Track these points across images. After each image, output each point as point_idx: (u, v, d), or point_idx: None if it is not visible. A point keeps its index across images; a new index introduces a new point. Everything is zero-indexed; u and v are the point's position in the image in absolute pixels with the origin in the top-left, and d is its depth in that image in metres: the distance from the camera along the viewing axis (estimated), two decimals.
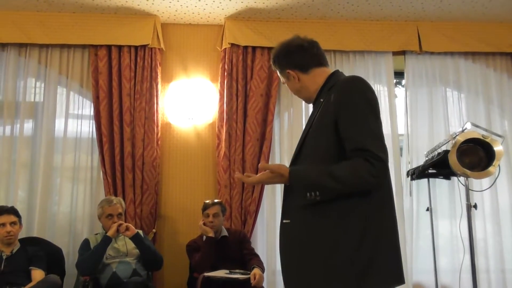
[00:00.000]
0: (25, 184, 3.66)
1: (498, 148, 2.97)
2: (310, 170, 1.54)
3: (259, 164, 1.73)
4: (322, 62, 1.74)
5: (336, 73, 1.73)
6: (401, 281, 1.53)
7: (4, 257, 2.99)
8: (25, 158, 3.67)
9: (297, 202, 1.57)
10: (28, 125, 3.73)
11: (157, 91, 3.76)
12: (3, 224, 3.01)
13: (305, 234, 1.53)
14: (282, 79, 1.81)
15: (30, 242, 3.25)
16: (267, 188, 3.74)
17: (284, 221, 1.60)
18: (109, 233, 3.08)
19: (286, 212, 1.62)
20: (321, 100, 1.64)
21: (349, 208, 1.51)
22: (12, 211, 3.10)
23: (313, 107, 1.73)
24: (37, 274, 2.97)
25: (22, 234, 3.22)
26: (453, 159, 2.94)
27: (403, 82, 4.09)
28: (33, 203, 3.61)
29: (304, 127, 1.75)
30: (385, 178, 1.54)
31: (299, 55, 1.72)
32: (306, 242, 1.53)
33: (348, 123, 1.52)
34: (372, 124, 1.52)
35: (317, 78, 1.71)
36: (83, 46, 3.80)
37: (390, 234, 1.55)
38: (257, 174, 1.64)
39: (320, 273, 1.49)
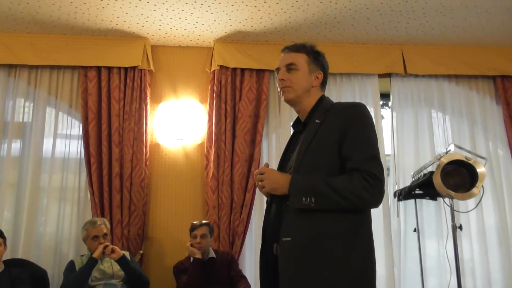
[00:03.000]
0: (12, 204, 3.63)
1: (481, 169, 3.02)
2: (309, 177, 1.60)
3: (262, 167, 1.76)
4: (325, 87, 1.86)
5: (325, 98, 1.80)
6: None
7: None
8: (12, 178, 3.65)
9: (295, 220, 1.58)
10: (16, 145, 3.72)
11: (146, 112, 3.79)
12: None
13: (307, 253, 1.55)
14: (302, 66, 1.76)
15: (15, 264, 3.19)
16: (255, 209, 3.74)
17: (283, 239, 1.59)
18: (95, 255, 3.05)
19: (286, 230, 1.60)
20: (317, 121, 1.68)
21: (350, 227, 1.57)
22: None
23: (305, 127, 1.73)
24: None
25: (6, 256, 3.16)
26: (437, 181, 2.98)
27: (390, 103, 4.16)
28: (19, 224, 3.57)
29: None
30: (381, 198, 1.59)
31: (328, 71, 1.85)
32: (307, 261, 1.54)
33: (352, 144, 1.60)
34: (374, 148, 1.62)
35: (316, 95, 1.78)
36: (73, 67, 3.83)
37: (374, 254, 1.65)
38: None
39: None
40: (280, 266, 1.61)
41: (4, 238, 3.08)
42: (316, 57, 1.80)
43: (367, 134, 1.64)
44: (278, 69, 1.81)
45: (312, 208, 1.55)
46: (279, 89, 1.80)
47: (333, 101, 1.79)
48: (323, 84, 1.82)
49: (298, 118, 1.84)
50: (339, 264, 1.53)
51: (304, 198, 1.55)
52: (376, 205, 1.60)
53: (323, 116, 1.68)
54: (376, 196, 1.56)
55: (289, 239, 1.58)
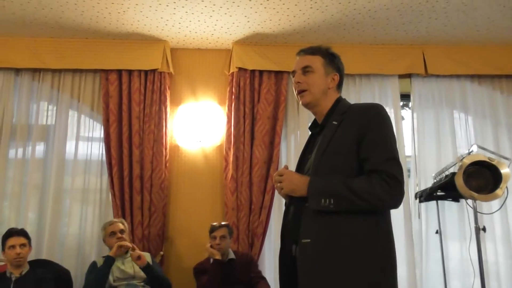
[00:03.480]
0: (36, 206, 3.70)
1: (505, 170, 2.95)
2: (327, 179, 1.60)
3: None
4: (341, 89, 1.86)
5: (342, 100, 1.80)
6: None
7: (13, 279, 3.01)
8: (36, 180, 3.72)
9: (314, 222, 1.58)
10: (40, 148, 3.80)
11: (166, 114, 3.83)
12: (13, 246, 3.04)
13: (327, 254, 1.54)
14: (318, 68, 1.77)
15: (39, 264, 3.26)
16: (274, 210, 3.74)
17: (303, 240, 1.59)
18: (111, 253, 3.09)
19: (305, 232, 1.60)
20: (334, 122, 1.68)
21: (370, 228, 1.56)
22: (22, 233, 3.13)
23: (323, 128, 1.74)
24: None
25: (31, 256, 3.24)
26: (460, 182, 2.93)
27: (410, 104, 4.11)
28: (43, 225, 3.65)
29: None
30: (401, 199, 1.58)
31: (344, 72, 1.86)
32: (327, 262, 1.54)
33: (370, 146, 1.60)
34: (392, 149, 1.61)
35: (333, 97, 1.79)
36: (95, 71, 3.90)
37: (395, 254, 1.64)
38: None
39: None
40: (299, 267, 1.61)
41: (29, 239, 3.16)
42: (331, 59, 1.81)
43: (385, 135, 1.63)
44: (294, 72, 1.81)
45: (331, 209, 1.55)
46: (295, 93, 1.80)
47: (350, 103, 1.79)
48: (339, 85, 1.82)
49: (315, 120, 1.84)
50: (359, 264, 1.52)
51: (323, 200, 1.55)
52: (395, 206, 1.59)
53: (341, 117, 1.68)
54: (395, 197, 1.55)
55: (309, 240, 1.58)
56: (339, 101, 1.78)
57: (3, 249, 3.08)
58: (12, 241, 3.05)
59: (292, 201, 1.72)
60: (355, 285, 1.50)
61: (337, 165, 1.61)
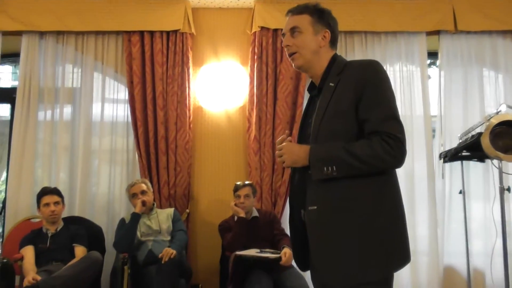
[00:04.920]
0: (66, 166, 3.83)
1: None
2: (327, 146, 1.58)
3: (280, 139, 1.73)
4: (336, 45, 1.76)
5: (338, 57, 1.72)
6: (410, 257, 1.61)
7: (49, 235, 3.19)
8: (65, 141, 3.83)
9: (319, 189, 1.59)
10: (67, 110, 3.89)
11: (188, 76, 3.84)
12: (48, 204, 3.20)
13: (334, 219, 1.56)
14: (306, 28, 1.68)
15: (73, 221, 3.44)
16: None
17: (309, 208, 1.62)
18: (136, 210, 3.27)
19: (311, 199, 1.62)
20: (331, 84, 1.63)
21: (375, 190, 1.55)
22: (55, 191, 3.28)
23: (320, 91, 1.68)
24: (80, 251, 3.15)
25: (64, 214, 3.40)
26: (486, 142, 2.88)
27: (437, 62, 3.99)
28: (74, 184, 3.79)
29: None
30: (403, 158, 1.55)
31: (337, 29, 1.74)
32: (335, 227, 1.55)
33: (368, 106, 1.55)
34: (391, 107, 1.57)
35: (327, 56, 1.71)
36: (117, 33, 3.90)
37: (404, 214, 1.62)
38: None
39: (352, 258, 1.52)
40: (308, 232, 1.65)
41: (62, 197, 3.31)
42: (320, 16, 1.70)
43: (383, 93, 1.57)
44: (283, 35, 1.74)
45: (334, 176, 1.54)
46: (288, 56, 1.74)
47: (346, 60, 1.70)
48: (333, 42, 1.72)
49: (312, 82, 1.78)
50: (367, 226, 1.52)
51: (325, 168, 1.54)
52: (398, 165, 1.56)
53: (337, 78, 1.62)
54: (397, 157, 1.53)
55: (315, 207, 1.60)
56: (335, 59, 1.70)
57: (38, 207, 3.24)
58: (46, 199, 3.21)
59: (296, 169, 1.72)
60: (363, 249, 1.52)
61: (337, 130, 1.58)
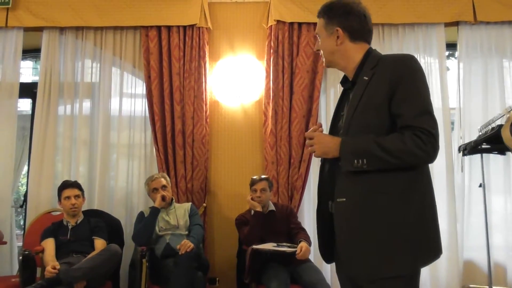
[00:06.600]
0: (85, 160, 3.89)
1: None
2: (359, 139, 1.58)
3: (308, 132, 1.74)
4: (369, 40, 1.75)
5: (373, 51, 1.72)
6: (441, 252, 1.60)
7: (70, 227, 3.25)
8: (84, 135, 3.90)
9: (349, 181, 1.58)
10: (86, 104, 3.95)
11: (205, 70, 3.85)
12: (68, 197, 3.26)
13: (362, 212, 1.55)
14: (321, 31, 1.75)
15: (93, 214, 3.50)
16: (314, 164, 3.77)
17: (338, 200, 1.61)
18: (156, 204, 3.31)
19: (340, 191, 1.62)
20: (365, 78, 1.63)
21: (406, 184, 1.54)
22: (76, 185, 3.34)
23: (354, 84, 1.68)
24: (100, 243, 3.20)
25: (84, 207, 3.46)
26: (506, 134, 2.84)
27: (456, 54, 3.93)
28: (93, 178, 3.86)
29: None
30: (435, 153, 1.54)
31: (356, 21, 1.70)
32: (363, 219, 1.55)
33: (402, 100, 1.54)
34: (425, 102, 1.56)
35: (358, 51, 1.70)
36: (135, 28, 3.94)
37: (436, 208, 1.61)
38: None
39: (379, 251, 1.52)
40: (336, 225, 1.65)
41: (82, 190, 3.37)
42: (329, 16, 1.72)
43: (417, 87, 1.56)
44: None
45: (364, 169, 1.54)
46: None
47: (381, 54, 1.70)
48: (352, 34, 1.70)
49: (345, 75, 1.79)
50: (395, 220, 1.51)
51: (356, 161, 1.54)
52: (430, 161, 1.55)
53: (371, 72, 1.62)
54: (429, 152, 1.51)
55: (344, 199, 1.59)
56: (370, 53, 1.70)
57: (59, 200, 3.31)
58: (67, 192, 3.27)
59: (326, 159, 1.72)
60: (390, 243, 1.51)
61: (369, 123, 1.58)
